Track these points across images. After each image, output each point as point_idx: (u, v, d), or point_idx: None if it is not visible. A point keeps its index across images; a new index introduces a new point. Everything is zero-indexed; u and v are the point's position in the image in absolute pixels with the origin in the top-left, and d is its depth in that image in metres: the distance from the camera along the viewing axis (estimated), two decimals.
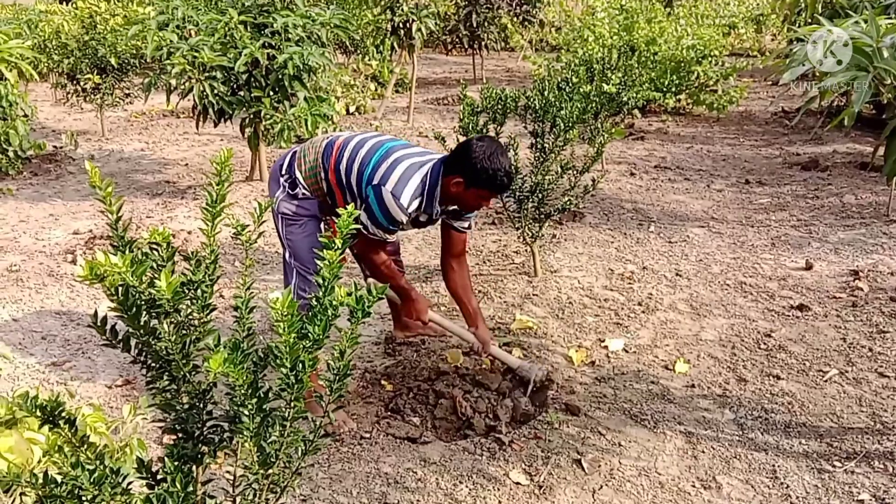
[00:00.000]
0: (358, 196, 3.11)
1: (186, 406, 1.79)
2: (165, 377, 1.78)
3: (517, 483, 2.78)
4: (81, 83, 8.05)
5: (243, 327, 1.88)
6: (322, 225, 3.28)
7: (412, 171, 3.04)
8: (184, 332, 1.76)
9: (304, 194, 3.20)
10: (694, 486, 2.80)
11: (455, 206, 3.19)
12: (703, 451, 3.00)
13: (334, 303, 1.57)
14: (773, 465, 2.92)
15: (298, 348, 1.54)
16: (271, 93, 5.73)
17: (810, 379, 3.51)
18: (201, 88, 5.54)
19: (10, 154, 6.90)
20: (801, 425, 3.17)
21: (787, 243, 5.13)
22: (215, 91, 5.60)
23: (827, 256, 4.87)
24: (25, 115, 7.36)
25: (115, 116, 9.74)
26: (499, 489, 2.74)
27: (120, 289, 1.60)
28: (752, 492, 2.77)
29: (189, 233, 5.37)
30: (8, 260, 4.96)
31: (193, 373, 1.76)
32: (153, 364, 1.78)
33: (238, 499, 1.89)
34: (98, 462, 1.71)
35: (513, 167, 3.01)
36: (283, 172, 3.24)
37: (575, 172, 4.39)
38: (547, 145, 4.31)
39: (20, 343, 3.84)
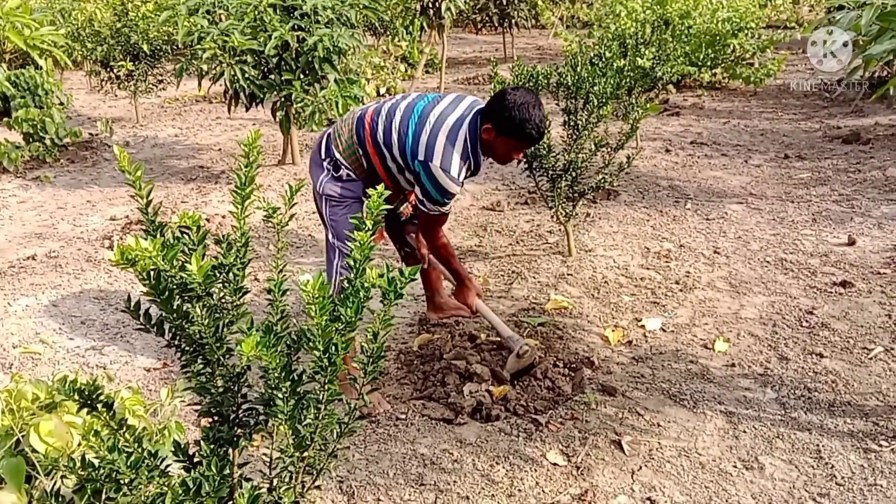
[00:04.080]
0: (406, 168, 3.08)
1: (221, 389, 1.78)
2: (199, 361, 1.78)
3: (554, 464, 2.75)
4: (115, 70, 8.11)
5: (277, 310, 1.87)
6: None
7: (454, 135, 2.98)
8: (217, 315, 1.75)
9: (348, 175, 3.17)
10: (735, 467, 2.75)
11: (490, 158, 3.16)
12: (745, 431, 2.94)
13: (366, 285, 1.55)
14: (818, 445, 2.85)
15: (331, 331, 1.52)
16: (301, 76, 5.71)
17: (854, 357, 3.42)
18: (232, 73, 5.54)
19: (47, 142, 6.99)
20: (845, 404, 3.09)
21: (829, 218, 5.00)
22: (246, 75, 5.60)
23: (870, 231, 4.75)
24: (61, 104, 7.45)
25: (149, 103, 9.82)
26: (536, 470, 2.72)
27: (151, 273, 1.59)
28: (796, 472, 2.71)
29: (223, 217, 5.39)
30: (47, 246, 5.02)
31: (227, 356, 1.76)
32: (187, 348, 1.78)
33: (275, 481, 1.89)
34: (136, 445, 1.71)
35: (545, 122, 2.96)
36: (324, 156, 3.21)
37: (609, 150, 4.31)
38: (580, 122, 4.24)
39: (60, 328, 3.90)
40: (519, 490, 2.62)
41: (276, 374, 1.55)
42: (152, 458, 1.71)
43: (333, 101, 5.70)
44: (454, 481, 2.66)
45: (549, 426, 2.95)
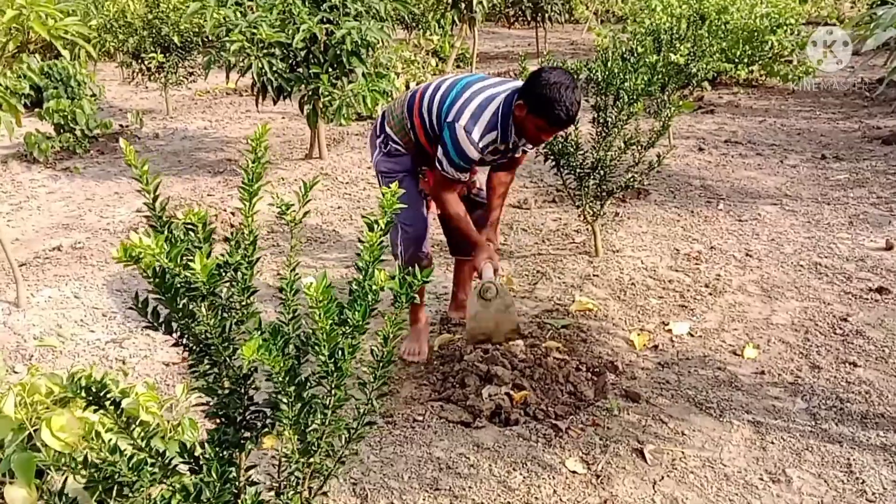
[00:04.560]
0: (438, 137, 3.13)
1: (227, 391, 1.74)
2: (206, 361, 1.73)
3: (573, 472, 2.67)
4: (146, 62, 8.15)
5: (288, 310, 1.82)
6: (419, 176, 3.37)
7: (486, 104, 3.03)
8: (224, 315, 1.70)
9: (397, 150, 3.30)
10: (762, 479, 2.65)
11: (521, 138, 3.13)
12: (773, 443, 2.84)
13: (374, 287, 1.49)
14: (848, 459, 2.74)
15: (336, 335, 1.46)
16: (329, 69, 5.67)
17: (890, 367, 3.30)
18: (260, 65, 5.52)
19: (78, 133, 7.04)
20: (878, 416, 2.98)
21: (866, 222, 4.85)
22: (274, 68, 5.57)
23: None
24: (93, 95, 7.51)
25: (180, 95, 9.86)
26: (554, 478, 2.65)
27: (156, 271, 1.55)
28: (825, 486, 2.61)
29: None
30: (73, 237, 5.05)
31: (234, 357, 1.71)
32: (194, 347, 1.73)
33: (282, 484, 1.85)
34: (144, 443, 1.68)
35: (577, 105, 2.89)
36: (378, 134, 3.36)
37: (639, 148, 4.20)
38: (610, 119, 4.14)
39: (81, 320, 3.90)
40: (536, 498, 2.55)
41: (280, 378, 1.50)
42: (158, 458, 1.68)
43: (361, 95, 5.66)
44: (469, 487, 2.60)
45: (570, 432, 2.88)
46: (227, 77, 6.04)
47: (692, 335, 3.62)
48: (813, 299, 3.91)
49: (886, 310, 3.76)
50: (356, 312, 1.48)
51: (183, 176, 6.40)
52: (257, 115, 8.52)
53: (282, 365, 1.46)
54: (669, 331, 3.64)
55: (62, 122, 6.98)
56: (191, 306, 1.63)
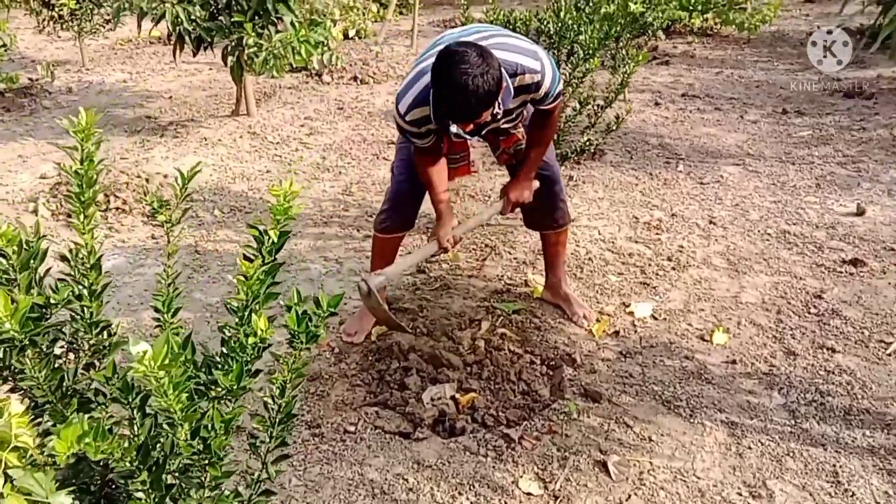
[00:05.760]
0: None
1: (75, 459, 1.31)
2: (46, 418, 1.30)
3: (528, 493, 2.32)
4: (56, 9, 7.40)
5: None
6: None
7: (421, 74, 2.55)
8: (62, 364, 1.27)
9: None
10: (740, 495, 2.34)
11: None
12: (750, 448, 2.53)
13: (251, 341, 1.06)
14: (834, 465, 2.44)
15: (195, 414, 1.04)
16: (255, 17, 5.10)
17: (871, 352, 3.01)
18: (175, 13, 4.93)
19: None
20: (863, 412, 2.69)
21: (834, 183, 4.55)
22: (191, 16, 4.98)
23: (880, 199, 4.31)
24: (3, 45, 6.77)
25: (98, 45, 9.07)
26: (506, 502, 2.28)
27: None
28: (811, 501, 2.31)
29: (165, 176, 4.84)
30: None
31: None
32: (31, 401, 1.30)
33: None
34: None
35: (464, 110, 2.36)
36: None
37: (596, 108, 3.79)
38: (563, 76, 3.72)
39: None
40: None
41: (124, 465, 1.08)
42: None
43: (291, 46, 5.11)
44: None
45: (523, 442, 2.51)
46: (139, 26, 5.41)
47: (655, 318, 3.27)
48: (783, 273, 3.60)
49: (862, 284, 3.47)
50: (229, 374, 1.06)
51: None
52: (183, 65, 7.85)
53: (120, 453, 1.03)
54: (631, 313, 3.29)
55: None
56: (11, 359, 1.20)
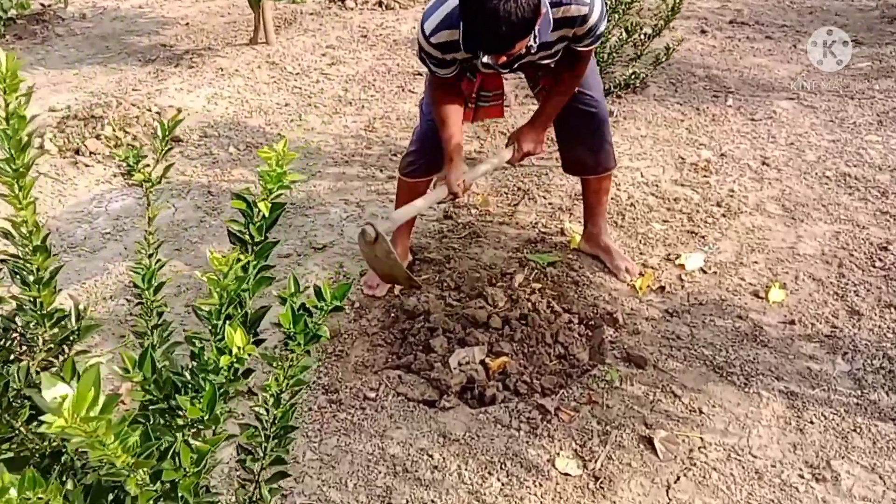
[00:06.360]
0: None
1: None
2: None
3: (565, 474, 2.10)
4: None
5: (147, 327, 1.17)
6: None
7: None
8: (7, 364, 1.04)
9: None
10: (802, 477, 2.10)
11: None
12: (812, 422, 2.28)
13: (224, 357, 0.82)
14: None
15: (152, 454, 0.80)
16: None
17: None
18: None
19: None
20: None
21: None
22: None
23: None
24: None
25: None
26: (541, 484, 2.07)
27: None
28: (881, 486, 2.07)
29: (179, 110, 4.57)
30: None
31: (37, 427, 1.06)
32: None
33: None
34: None
35: (485, 40, 2.13)
36: None
37: (643, 38, 3.43)
38: (607, 1, 3.36)
39: None
40: None
41: None
42: None
43: None
44: (433, 501, 2.02)
45: (560, 414, 2.29)
46: None
47: (705, 271, 2.99)
48: (845, 221, 3.28)
49: None
50: (196, 403, 0.81)
51: (109, 65, 5.51)
52: None
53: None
54: (680, 266, 3.01)
55: None
56: None
